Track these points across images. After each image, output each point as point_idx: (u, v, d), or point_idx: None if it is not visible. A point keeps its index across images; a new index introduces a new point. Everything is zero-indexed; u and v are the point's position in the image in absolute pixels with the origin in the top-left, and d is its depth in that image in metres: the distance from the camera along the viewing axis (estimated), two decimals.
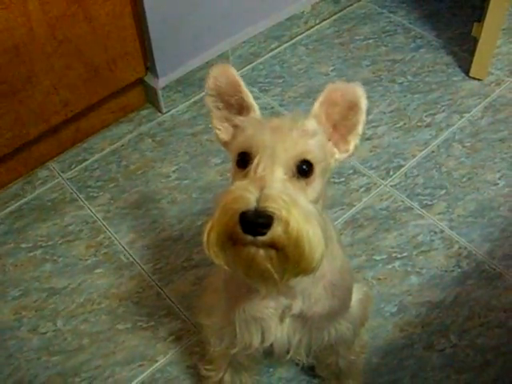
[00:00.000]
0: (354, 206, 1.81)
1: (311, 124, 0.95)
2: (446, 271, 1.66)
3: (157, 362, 1.53)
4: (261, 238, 0.82)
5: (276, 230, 0.81)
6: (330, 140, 0.99)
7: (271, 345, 1.14)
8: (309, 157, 0.90)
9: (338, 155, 0.99)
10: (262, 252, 0.84)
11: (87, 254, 1.75)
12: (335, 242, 1.12)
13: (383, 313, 1.58)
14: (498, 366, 1.49)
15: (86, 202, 1.87)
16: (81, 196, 1.89)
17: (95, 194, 1.89)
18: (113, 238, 1.78)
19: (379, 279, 1.65)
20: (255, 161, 0.88)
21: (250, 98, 1.00)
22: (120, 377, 1.51)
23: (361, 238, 1.74)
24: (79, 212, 1.85)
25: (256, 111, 1.01)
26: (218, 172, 1.91)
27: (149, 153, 1.99)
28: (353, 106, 0.96)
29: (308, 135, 0.92)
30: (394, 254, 1.70)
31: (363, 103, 0.95)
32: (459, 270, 1.66)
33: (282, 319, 1.10)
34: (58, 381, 1.51)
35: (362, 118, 0.96)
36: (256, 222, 0.80)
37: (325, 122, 0.98)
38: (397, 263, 1.68)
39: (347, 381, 1.42)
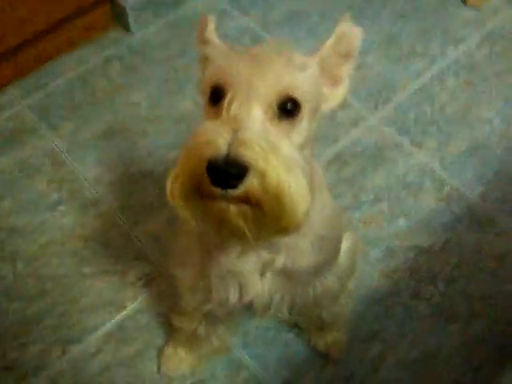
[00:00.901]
0: (340, 140, 1.69)
1: (303, 58, 0.80)
2: (435, 214, 1.56)
3: (125, 308, 1.43)
4: (232, 192, 0.68)
5: (250, 183, 0.67)
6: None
7: (250, 301, 1.03)
8: (295, 93, 0.75)
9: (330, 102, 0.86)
10: (233, 208, 0.70)
11: (49, 189, 1.61)
12: (325, 189, 0.99)
13: (369, 258, 1.49)
14: (486, 316, 1.42)
15: (47, 132, 1.71)
16: (42, 125, 1.73)
17: (58, 123, 1.73)
18: (77, 173, 1.63)
19: (365, 222, 1.55)
20: (228, 96, 0.74)
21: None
22: (86, 324, 1.41)
23: (346, 177, 1.62)
24: (40, 143, 1.69)
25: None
26: (193, 101, 1.75)
27: (117, 78, 1.83)
28: (349, 55, 0.84)
29: (295, 67, 0.77)
30: (381, 195, 1.59)
31: (357, 52, 0.84)
32: (449, 213, 1.56)
33: (262, 274, 0.98)
34: (19, 329, 1.41)
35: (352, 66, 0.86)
36: (226, 171, 0.66)
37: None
38: (384, 204, 1.58)
39: (330, 331, 1.34)
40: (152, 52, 1.89)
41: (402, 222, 1.54)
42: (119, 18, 1.92)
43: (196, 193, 0.72)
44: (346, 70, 0.86)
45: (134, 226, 1.54)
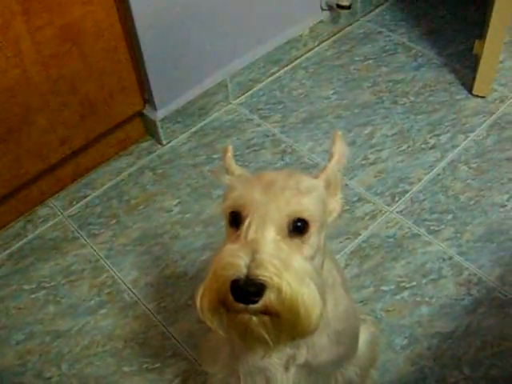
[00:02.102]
0: (360, 234, 1.78)
1: (309, 181, 0.93)
2: (456, 300, 1.62)
3: None
4: (253, 306, 0.79)
5: (268, 297, 0.79)
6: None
7: None
8: (303, 215, 0.87)
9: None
10: (255, 319, 0.81)
11: (90, 294, 1.72)
12: (338, 286, 1.08)
13: (393, 346, 1.54)
14: None
15: (87, 240, 1.84)
16: (82, 234, 1.86)
17: (97, 232, 1.86)
18: (116, 277, 1.75)
19: (388, 311, 1.61)
20: (246, 222, 0.85)
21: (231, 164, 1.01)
22: None
23: (368, 269, 1.70)
24: (81, 250, 1.82)
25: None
26: (220, 204, 1.87)
27: (150, 186, 1.97)
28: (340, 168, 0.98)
29: (302, 192, 0.89)
30: (402, 284, 1.66)
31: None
32: (470, 297, 1.62)
33: (287, 368, 1.07)
34: None
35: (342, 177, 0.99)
36: (247, 290, 0.78)
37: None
38: (405, 293, 1.64)
39: None
40: (181, 160, 2.03)
41: (423, 309, 1.60)
42: (150, 131, 2.09)
43: (222, 307, 0.83)
44: (339, 183, 0.98)
45: (170, 325, 1.63)
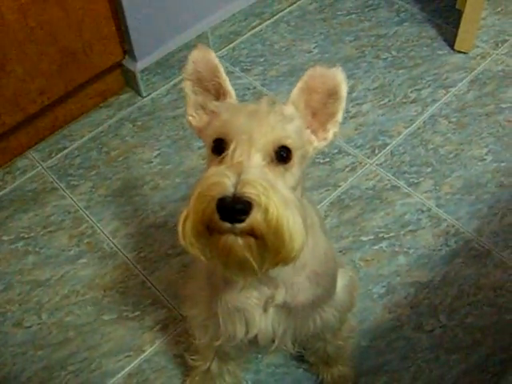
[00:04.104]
0: (340, 186, 1.79)
1: (289, 109, 0.92)
2: (433, 250, 1.64)
3: (144, 352, 1.51)
4: (239, 226, 0.78)
5: (255, 217, 0.78)
6: (308, 128, 0.95)
7: (256, 335, 1.12)
8: (287, 142, 0.87)
9: (316, 143, 0.96)
10: (240, 240, 0.80)
11: (70, 244, 1.72)
12: (317, 228, 1.09)
13: (371, 295, 1.57)
14: (487, 345, 1.48)
15: (67, 191, 1.83)
16: (62, 185, 1.85)
17: (76, 183, 1.85)
18: (95, 227, 1.74)
19: (367, 260, 1.63)
20: (232, 146, 0.84)
21: (227, 83, 0.97)
22: (107, 368, 1.49)
23: (347, 219, 1.71)
24: (61, 201, 1.81)
25: (233, 97, 0.97)
26: (201, 156, 1.87)
27: (130, 138, 1.95)
28: (332, 94, 0.93)
29: (286, 120, 0.89)
30: (381, 235, 1.68)
31: (343, 90, 0.93)
32: (447, 248, 1.64)
33: (265, 309, 1.07)
34: (44, 375, 1.49)
35: (342, 105, 0.94)
36: (234, 208, 0.77)
37: (303, 108, 0.95)
38: (384, 243, 1.66)
39: (336, 365, 1.41)
40: (161, 112, 2.02)
41: (401, 259, 1.62)
42: (130, 82, 2.06)
43: (206, 229, 0.81)
44: (335, 110, 0.95)
45: (150, 275, 1.63)
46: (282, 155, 0.87)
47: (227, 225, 0.79)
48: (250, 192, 0.77)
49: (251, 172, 0.80)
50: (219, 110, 0.93)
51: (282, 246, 0.81)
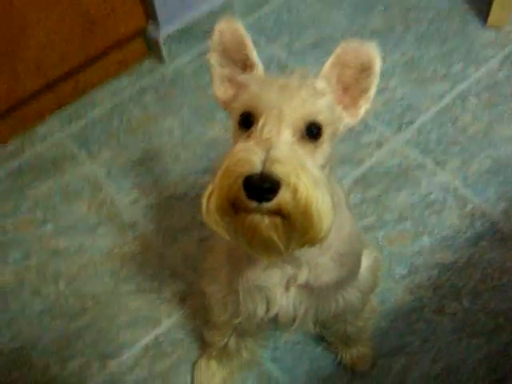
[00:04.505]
0: (365, 162, 1.74)
1: (321, 84, 0.88)
2: (458, 232, 1.60)
3: (161, 324, 1.50)
4: (266, 205, 0.75)
5: (283, 196, 0.75)
6: (339, 104, 0.91)
7: (276, 314, 1.09)
8: (319, 118, 0.83)
9: (347, 120, 0.92)
10: (266, 220, 0.77)
11: (89, 213, 1.70)
12: (343, 207, 1.06)
13: (393, 275, 1.54)
14: (509, 330, 1.45)
15: (87, 159, 1.81)
16: (82, 153, 1.83)
17: (96, 151, 1.83)
18: (115, 197, 1.72)
19: (390, 240, 1.60)
20: (261, 121, 0.81)
21: (254, 55, 0.94)
22: (124, 340, 1.49)
23: (371, 197, 1.67)
24: (80, 170, 1.79)
25: (260, 70, 0.94)
26: (223, 127, 1.83)
27: (151, 107, 1.92)
28: (366, 69, 0.89)
29: (317, 95, 0.85)
30: (405, 214, 1.64)
31: (377, 66, 0.89)
32: (473, 230, 1.60)
33: (287, 288, 1.05)
34: (60, 344, 1.49)
35: (375, 81, 0.90)
36: (262, 186, 0.74)
37: (335, 83, 0.91)
38: (408, 223, 1.62)
39: (355, 346, 1.39)
40: (184, 81, 1.97)
41: (425, 239, 1.59)
42: (153, 50, 2.02)
43: (231, 207, 0.79)
44: (368, 86, 0.91)
45: (169, 247, 1.62)
46: (313, 131, 0.83)
47: (254, 203, 0.76)
48: (278, 170, 0.74)
49: (280, 149, 0.77)
50: (248, 82, 0.89)
51: (311, 226, 0.77)
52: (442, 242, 1.58)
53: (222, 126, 1.84)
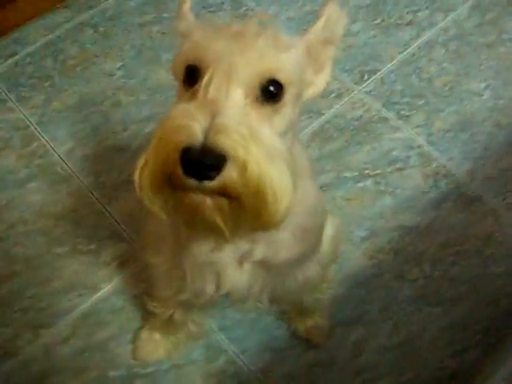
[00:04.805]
0: (323, 114, 1.62)
1: (288, 38, 0.74)
2: (422, 192, 1.51)
3: (100, 290, 1.39)
4: (208, 184, 0.63)
5: (229, 174, 0.62)
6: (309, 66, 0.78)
7: (227, 292, 0.98)
8: (279, 75, 0.70)
9: (315, 88, 0.80)
10: (209, 201, 0.65)
11: (18, 165, 1.54)
12: (307, 175, 0.93)
13: (352, 237, 1.45)
14: (470, 299, 1.40)
15: (16, 104, 1.63)
16: (11, 96, 1.65)
17: (28, 95, 1.65)
18: (48, 147, 1.56)
19: (349, 199, 1.50)
20: (205, 77, 0.67)
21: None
22: (58, 307, 1.37)
23: (330, 152, 1.56)
24: (9, 115, 1.62)
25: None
26: (170, 70, 1.67)
27: (90, 46, 1.74)
28: (331, 41, 0.79)
29: (280, 47, 0.71)
30: (366, 171, 1.54)
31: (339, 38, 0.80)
32: (436, 190, 1.52)
33: (240, 264, 0.92)
34: None
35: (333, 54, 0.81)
36: (202, 161, 0.61)
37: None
38: (369, 181, 1.53)
39: (311, 316, 1.30)
40: (127, 17, 1.79)
41: (387, 200, 1.49)
42: None
43: (167, 184, 0.66)
44: (329, 56, 0.81)
45: (108, 204, 1.48)
46: (271, 91, 0.69)
47: (193, 181, 0.63)
48: (223, 142, 0.61)
49: (228, 114, 0.63)
50: (191, 28, 0.75)
51: (264, 208, 0.65)
52: (404, 203, 1.50)
53: (168, 68, 1.65)
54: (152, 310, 1.23)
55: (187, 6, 0.82)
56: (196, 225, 0.70)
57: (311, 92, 0.81)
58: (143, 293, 1.33)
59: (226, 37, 0.69)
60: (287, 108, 0.72)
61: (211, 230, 0.70)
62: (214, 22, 0.76)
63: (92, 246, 1.43)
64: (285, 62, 0.71)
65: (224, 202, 0.65)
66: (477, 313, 1.37)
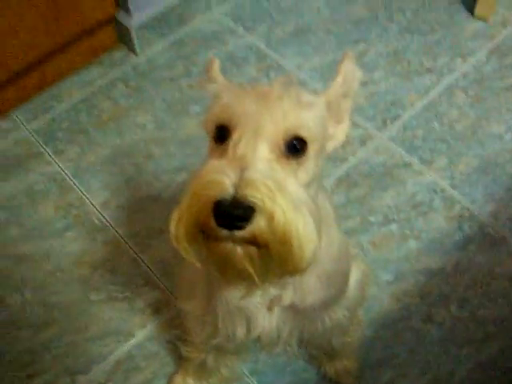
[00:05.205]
0: (348, 160, 1.67)
1: (309, 96, 0.80)
2: (446, 235, 1.54)
3: (134, 336, 1.42)
4: (239, 233, 0.67)
5: (258, 224, 0.67)
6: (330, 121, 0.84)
7: (258, 336, 1.01)
8: (302, 132, 0.75)
9: (336, 141, 0.86)
10: (239, 249, 0.70)
11: (56, 216, 1.60)
12: (331, 221, 0.97)
13: (378, 281, 1.47)
14: (499, 339, 1.40)
15: (53, 157, 1.71)
16: (48, 150, 1.72)
17: (64, 148, 1.72)
18: (84, 198, 1.63)
19: (374, 244, 1.53)
20: (235, 135, 0.73)
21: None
22: (94, 353, 1.40)
23: (355, 198, 1.60)
24: (46, 168, 1.69)
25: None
26: (199, 122, 1.74)
27: (122, 100, 1.82)
28: (347, 95, 0.85)
29: (303, 106, 0.76)
30: (390, 216, 1.57)
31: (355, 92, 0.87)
32: (461, 233, 1.54)
33: (270, 309, 0.97)
34: (27, 357, 1.40)
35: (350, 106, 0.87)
36: (232, 213, 0.66)
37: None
38: (393, 226, 1.55)
39: (340, 359, 1.32)
40: (157, 72, 1.88)
41: (412, 243, 1.52)
42: (123, 39, 1.91)
43: (201, 234, 0.71)
44: (347, 108, 0.86)
45: (142, 252, 1.53)
46: (295, 147, 0.75)
47: (225, 232, 0.68)
48: (252, 194, 0.66)
49: (256, 168, 0.69)
50: (221, 91, 0.81)
51: (290, 255, 0.69)
52: (429, 246, 1.52)
53: (198, 121, 1.74)
54: (185, 354, 1.27)
55: (216, 67, 0.89)
56: (228, 272, 0.74)
57: (332, 144, 0.86)
58: (177, 338, 1.36)
59: (252, 98, 0.75)
60: (311, 161, 0.77)
61: (242, 277, 0.74)
62: (241, 84, 0.83)
63: (127, 293, 1.47)
64: (307, 119, 0.76)
65: (253, 250, 0.70)
66: (506, 353, 1.38)
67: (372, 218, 1.57)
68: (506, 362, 1.37)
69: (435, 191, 1.60)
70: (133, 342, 1.41)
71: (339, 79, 0.84)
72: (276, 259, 0.70)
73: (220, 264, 0.73)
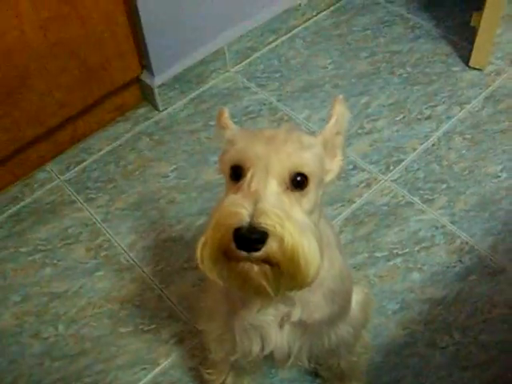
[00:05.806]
0: (355, 202, 1.80)
1: (309, 138, 0.95)
2: (447, 267, 1.64)
3: (159, 365, 1.52)
4: (255, 254, 0.81)
5: (270, 246, 0.80)
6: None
7: (271, 352, 1.13)
8: (304, 170, 0.89)
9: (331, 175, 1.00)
10: (256, 268, 0.83)
11: (87, 256, 1.74)
12: (333, 246, 1.11)
13: (385, 311, 1.57)
14: (501, 362, 1.48)
15: (84, 204, 1.86)
16: (79, 198, 1.87)
17: (94, 196, 1.88)
18: (112, 240, 1.77)
19: (381, 276, 1.64)
20: (249, 174, 0.87)
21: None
22: (123, 381, 1.51)
23: (362, 235, 1.72)
24: (78, 214, 1.84)
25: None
26: (216, 170, 1.88)
27: (147, 152, 1.98)
28: (339, 133, 1.00)
29: (303, 147, 0.91)
30: (395, 251, 1.69)
31: (345, 130, 1.01)
32: (461, 265, 1.64)
33: (281, 326, 1.09)
34: None
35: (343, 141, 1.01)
36: (250, 238, 0.79)
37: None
38: (398, 260, 1.67)
39: (350, 381, 1.41)
40: (178, 126, 2.04)
41: (415, 275, 1.63)
42: (147, 97, 2.09)
43: (223, 256, 0.84)
44: (339, 144, 1.00)
45: (166, 288, 1.65)
46: (298, 181, 0.89)
47: (244, 253, 0.81)
48: (265, 222, 0.79)
49: (267, 201, 0.82)
50: (235, 137, 0.95)
51: (298, 272, 0.83)
52: (431, 278, 1.63)
53: (215, 169, 1.89)
54: (207, 377, 1.38)
55: (225, 116, 1.03)
56: (246, 287, 0.87)
57: (330, 176, 1.00)
58: (198, 364, 1.47)
59: (261, 142, 0.89)
60: (312, 192, 0.91)
61: (258, 291, 0.87)
62: (250, 129, 0.99)
63: (153, 326, 1.58)
64: (307, 158, 0.91)
65: (267, 267, 0.83)
66: (508, 375, 1.46)
67: (378, 254, 1.68)
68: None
69: (436, 227, 1.72)
70: (158, 370, 1.52)
71: (333, 120, 0.99)
72: (286, 275, 0.84)
73: (239, 280, 0.86)
